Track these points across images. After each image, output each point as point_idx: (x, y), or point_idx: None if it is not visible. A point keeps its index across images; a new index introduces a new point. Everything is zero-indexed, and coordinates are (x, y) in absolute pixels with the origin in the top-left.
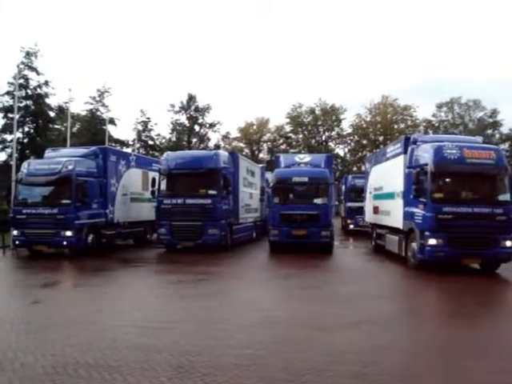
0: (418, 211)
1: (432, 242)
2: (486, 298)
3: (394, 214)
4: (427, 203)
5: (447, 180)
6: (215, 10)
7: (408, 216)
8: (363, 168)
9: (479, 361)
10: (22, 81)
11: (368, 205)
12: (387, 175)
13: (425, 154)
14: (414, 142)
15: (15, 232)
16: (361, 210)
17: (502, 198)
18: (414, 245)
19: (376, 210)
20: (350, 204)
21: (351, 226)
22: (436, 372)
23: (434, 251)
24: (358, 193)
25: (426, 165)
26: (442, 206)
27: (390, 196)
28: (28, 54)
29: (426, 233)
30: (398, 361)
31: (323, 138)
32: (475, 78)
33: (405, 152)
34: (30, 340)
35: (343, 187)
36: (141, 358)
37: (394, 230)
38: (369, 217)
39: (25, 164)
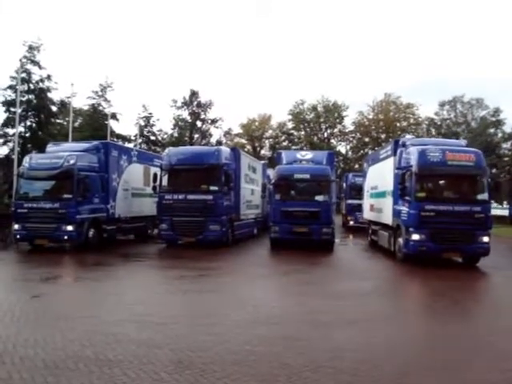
0: (404, 209)
1: (415, 237)
2: (476, 294)
3: (385, 211)
4: (411, 201)
5: (430, 180)
6: (218, 7)
7: (396, 213)
8: (364, 166)
9: (477, 359)
10: (24, 75)
11: (365, 202)
12: (380, 175)
13: (410, 157)
14: (402, 145)
15: (16, 226)
16: (360, 208)
17: (480, 197)
18: (400, 240)
19: (371, 208)
20: (350, 201)
21: (351, 223)
22: (434, 370)
23: (417, 246)
24: (358, 191)
25: (411, 166)
26: (425, 204)
27: (382, 195)
28: (31, 48)
29: (410, 229)
30: (396, 358)
31: (325, 135)
32: (478, 77)
33: (394, 154)
34: (30, 334)
35: (344, 185)
36: (140, 353)
37: (385, 227)
38: (366, 214)
39: (26, 158)
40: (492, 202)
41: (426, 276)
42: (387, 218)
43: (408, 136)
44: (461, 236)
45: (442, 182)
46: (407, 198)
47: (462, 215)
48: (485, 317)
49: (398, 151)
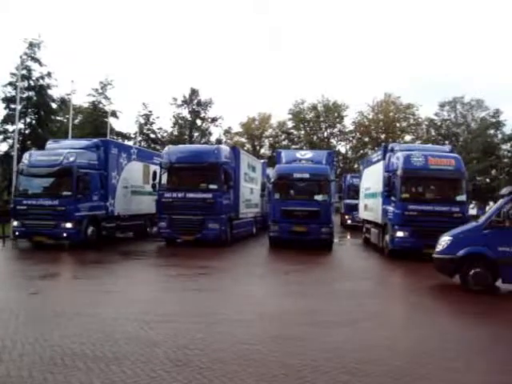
0: (390, 208)
1: (399, 234)
2: (473, 294)
3: (375, 210)
4: (397, 202)
5: (413, 182)
6: (218, 5)
7: (384, 212)
8: (361, 168)
9: (477, 360)
10: (24, 72)
11: (361, 202)
12: (373, 177)
13: (396, 161)
14: (391, 150)
15: (15, 223)
16: (357, 207)
17: (459, 198)
18: (387, 236)
19: (365, 208)
20: (348, 201)
21: (349, 222)
22: (433, 370)
23: (401, 242)
24: (356, 191)
25: (397, 170)
26: (409, 205)
27: (374, 195)
28: (31, 45)
29: (395, 226)
30: (394, 358)
31: (325, 134)
32: (478, 78)
33: (384, 158)
34: (28, 331)
35: (343, 185)
36: (138, 351)
37: (376, 225)
38: (361, 213)
39: (26, 155)
40: (491, 203)
41: (422, 274)
42: (377, 216)
43: (407, 137)
44: (441, 233)
45: (424, 184)
46: (393, 198)
47: (442, 214)
48: (484, 316)
49: (387, 155)
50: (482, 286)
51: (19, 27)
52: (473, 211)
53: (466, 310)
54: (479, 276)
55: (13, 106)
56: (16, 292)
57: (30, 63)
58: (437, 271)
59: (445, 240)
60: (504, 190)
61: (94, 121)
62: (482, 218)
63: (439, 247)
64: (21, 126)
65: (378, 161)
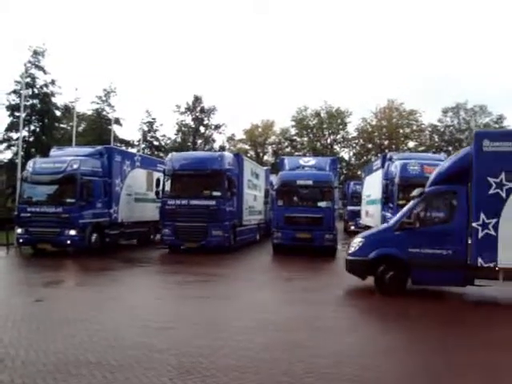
0: (388, 214)
1: None
2: (473, 302)
3: (375, 216)
4: (394, 208)
5: (409, 190)
6: (222, 13)
7: (383, 218)
8: (362, 176)
9: (479, 365)
10: (28, 79)
11: (363, 209)
12: (373, 185)
13: (394, 169)
14: (389, 159)
15: (19, 230)
16: (359, 213)
17: None
18: None
19: (367, 214)
20: (351, 207)
21: (352, 228)
22: (436, 376)
23: None
24: (358, 198)
25: (394, 177)
26: None
27: (374, 202)
28: (35, 53)
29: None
30: (398, 364)
31: (328, 141)
32: (482, 84)
33: (382, 167)
34: (31, 338)
35: (346, 192)
36: (142, 358)
37: None
38: (363, 219)
39: (30, 163)
40: None
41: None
42: (377, 222)
43: (411, 143)
44: None
45: None
46: (391, 204)
47: None
48: (485, 324)
49: (386, 164)
50: (396, 288)
51: (24, 36)
52: None
53: (469, 319)
54: (394, 278)
55: (17, 113)
56: (20, 299)
57: (34, 71)
58: (348, 273)
59: (356, 242)
60: (415, 192)
61: (98, 128)
62: (393, 219)
63: (351, 249)
64: (25, 133)
65: (378, 169)
